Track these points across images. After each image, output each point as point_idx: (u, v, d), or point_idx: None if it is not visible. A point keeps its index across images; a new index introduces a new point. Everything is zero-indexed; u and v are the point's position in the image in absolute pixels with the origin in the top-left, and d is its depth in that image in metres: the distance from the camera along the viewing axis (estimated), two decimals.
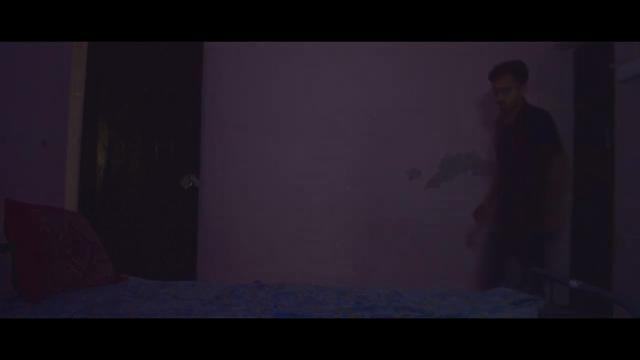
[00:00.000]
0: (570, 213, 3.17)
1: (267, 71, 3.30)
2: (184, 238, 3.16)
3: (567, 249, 3.16)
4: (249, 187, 3.27)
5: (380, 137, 3.25)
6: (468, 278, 3.07)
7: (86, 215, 2.26)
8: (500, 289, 1.85)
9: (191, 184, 3.14)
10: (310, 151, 3.27)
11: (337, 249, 3.24)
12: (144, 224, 3.17)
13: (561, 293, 2.81)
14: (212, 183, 3.27)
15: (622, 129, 2.48)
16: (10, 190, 1.94)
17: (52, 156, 2.39)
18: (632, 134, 2.39)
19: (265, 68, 3.30)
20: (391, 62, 3.22)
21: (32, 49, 2.18)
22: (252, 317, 1.49)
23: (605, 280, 2.62)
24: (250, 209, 3.27)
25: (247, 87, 3.30)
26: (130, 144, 3.18)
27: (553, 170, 2.47)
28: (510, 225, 2.61)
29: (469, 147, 3.19)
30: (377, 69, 3.25)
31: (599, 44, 2.89)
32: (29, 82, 2.18)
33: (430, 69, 3.18)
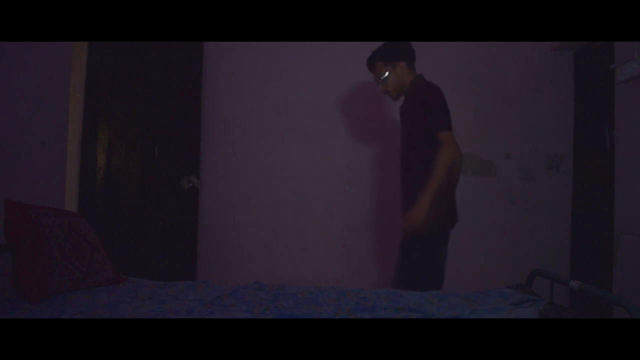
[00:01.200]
0: (570, 213, 3.18)
1: (267, 71, 3.30)
2: (184, 238, 3.16)
3: (567, 249, 3.17)
4: (248, 188, 3.28)
5: (380, 138, 3.25)
6: (468, 279, 3.08)
7: (86, 216, 2.26)
8: (500, 289, 1.85)
9: (191, 184, 3.14)
10: (310, 151, 3.27)
11: (337, 249, 3.25)
12: (144, 224, 3.17)
13: (561, 293, 2.81)
14: (212, 183, 3.27)
15: (621, 129, 2.48)
16: (10, 191, 1.94)
17: (52, 157, 2.38)
18: (631, 135, 2.39)
19: (265, 68, 3.30)
20: None
21: (32, 49, 2.18)
22: (252, 317, 1.49)
23: (605, 280, 2.62)
24: (250, 209, 3.27)
25: (247, 87, 3.30)
26: (130, 144, 3.18)
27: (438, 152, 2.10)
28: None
29: (469, 147, 3.19)
30: None
31: (599, 45, 2.89)
32: (29, 82, 2.18)
33: (431, 69, 3.17)
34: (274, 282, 1.98)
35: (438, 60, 3.20)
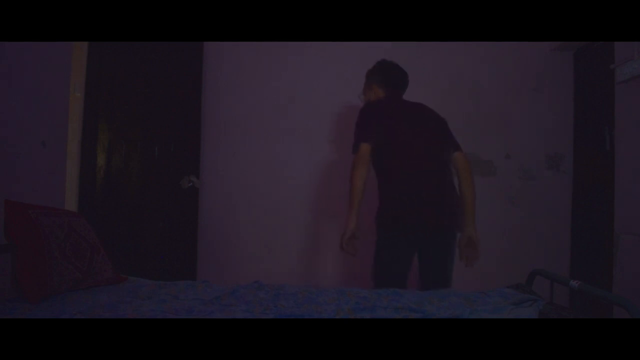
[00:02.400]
0: (570, 213, 3.18)
1: (267, 71, 3.30)
2: (184, 238, 3.16)
3: (567, 249, 3.17)
4: (248, 188, 3.27)
5: None
6: (468, 279, 3.07)
7: (86, 216, 2.26)
8: (500, 289, 1.85)
9: (190, 184, 3.14)
10: (310, 151, 3.27)
11: (337, 249, 3.24)
12: (144, 224, 3.17)
13: (561, 293, 2.81)
14: (212, 183, 3.27)
15: (621, 129, 2.48)
16: (10, 191, 1.94)
17: (52, 157, 2.38)
18: (631, 135, 2.39)
19: (265, 68, 3.30)
20: None
21: (32, 49, 2.18)
22: (252, 317, 1.49)
23: (605, 280, 2.62)
24: (250, 209, 3.27)
25: (247, 87, 3.30)
26: (130, 144, 3.18)
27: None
28: None
29: (469, 148, 3.19)
30: None
31: (599, 45, 2.89)
32: (29, 82, 2.18)
33: (431, 69, 3.18)
34: (274, 282, 1.98)
35: (438, 60, 3.20)
